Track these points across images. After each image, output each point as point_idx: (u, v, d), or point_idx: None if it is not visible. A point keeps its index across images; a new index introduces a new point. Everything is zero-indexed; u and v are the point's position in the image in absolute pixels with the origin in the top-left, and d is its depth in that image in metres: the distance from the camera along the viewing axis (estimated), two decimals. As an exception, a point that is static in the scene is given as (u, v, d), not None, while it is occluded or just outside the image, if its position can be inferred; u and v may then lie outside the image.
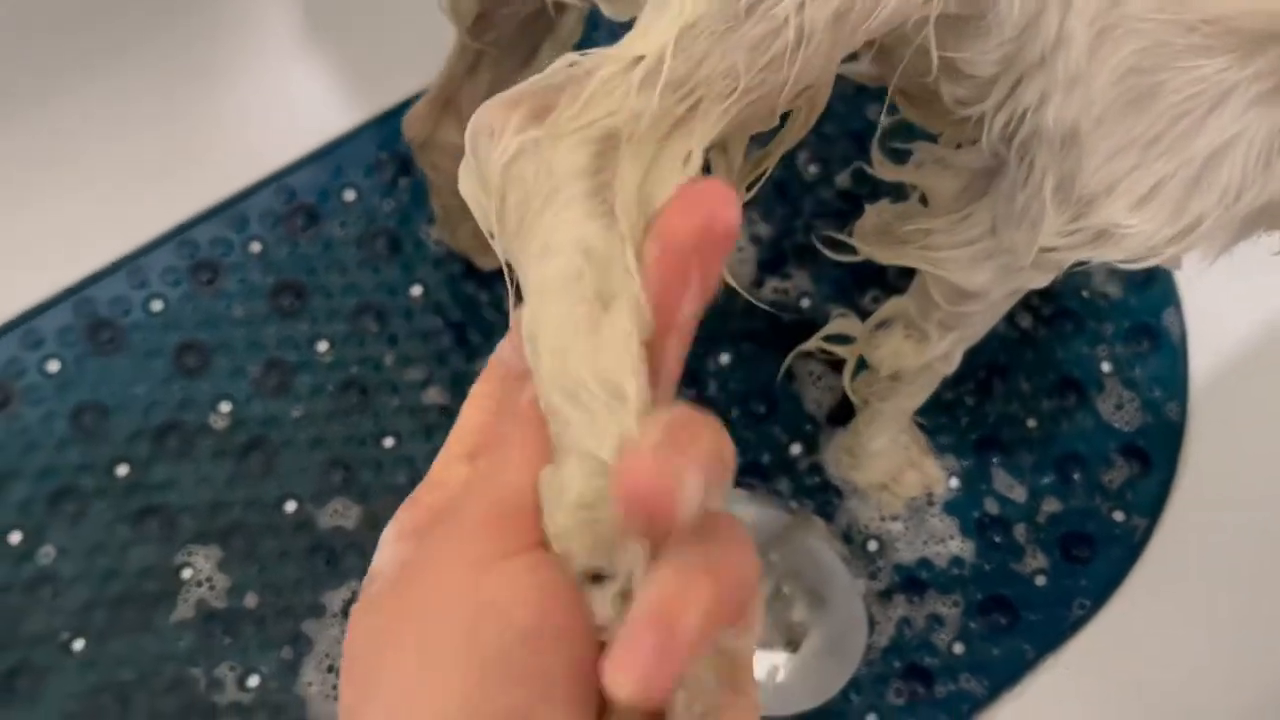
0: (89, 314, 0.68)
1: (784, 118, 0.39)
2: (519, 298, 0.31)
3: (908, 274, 0.68)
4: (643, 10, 0.33)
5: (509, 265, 0.31)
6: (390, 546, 0.30)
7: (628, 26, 0.40)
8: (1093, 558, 0.67)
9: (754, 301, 0.70)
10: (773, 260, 0.73)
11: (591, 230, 0.29)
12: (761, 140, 0.41)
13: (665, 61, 0.31)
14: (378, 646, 0.28)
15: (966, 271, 0.50)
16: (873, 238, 0.53)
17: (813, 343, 0.60)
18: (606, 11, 0.40)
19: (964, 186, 0.49)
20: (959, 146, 0.51)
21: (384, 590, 0.29)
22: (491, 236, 0.31)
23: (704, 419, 0.27)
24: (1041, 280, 0.49)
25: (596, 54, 0.32)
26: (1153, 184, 0.41)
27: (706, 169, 0.37)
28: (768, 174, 0.42)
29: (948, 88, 0.44)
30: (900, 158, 0.52)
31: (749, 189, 0.42)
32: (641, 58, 0.32)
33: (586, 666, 0.26)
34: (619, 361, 0.28)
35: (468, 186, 0.32)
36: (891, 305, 0.56)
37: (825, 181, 0.76)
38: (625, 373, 0.28)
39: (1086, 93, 0.40)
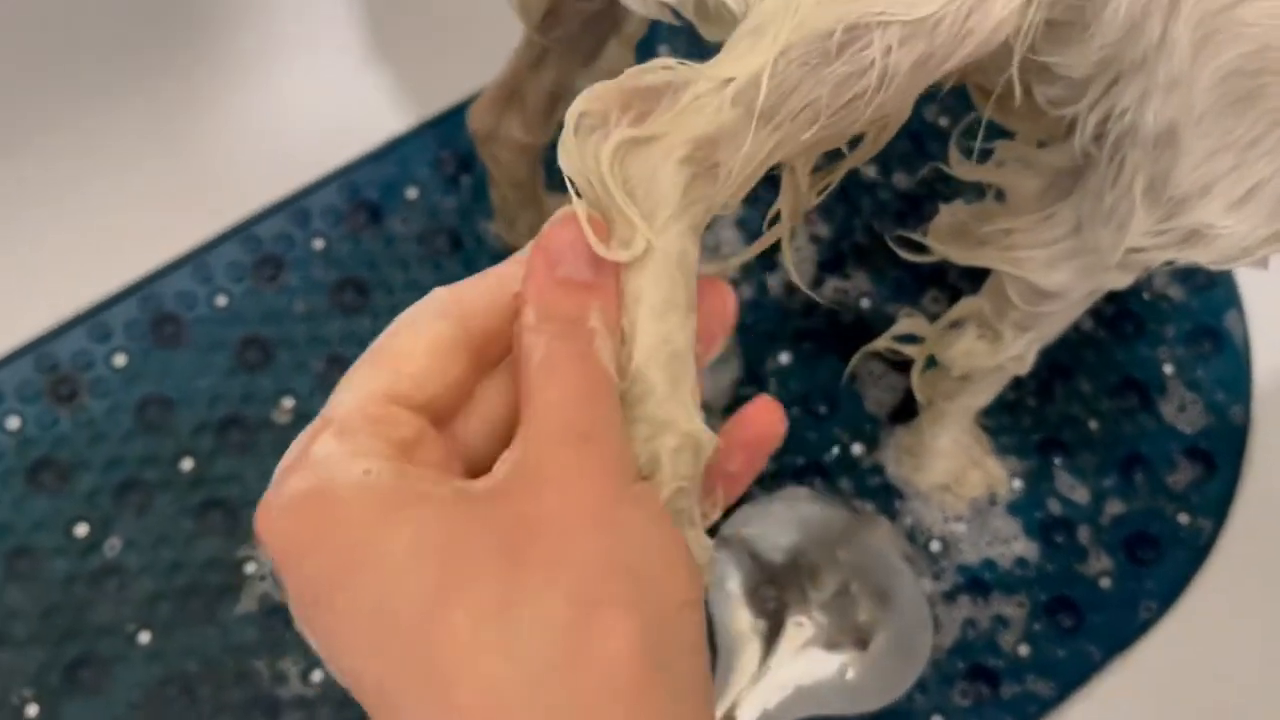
0: (155, 308, 0.68)
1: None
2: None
3: (968, 274, 0.68)
4: (734, 33, 0.34)
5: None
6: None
7: (687, 25, 0.40)
8: (1158, 560, 0.66)
9: (816, 299, 0.70)
10: (832, 260, 0.73)
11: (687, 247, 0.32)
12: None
13: (761, 86, 0.32)
14: (513, 544, 0.26)
15: (1046, 271, 0.49)
16: (949, 238, 0.52)
17: (882, 342, 0.60)
18: (703, 32, 0.40)
19: (1047, 185, 0.48)
20: (1039, 144, 0.51)
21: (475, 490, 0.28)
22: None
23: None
24: (1124, 280, 0.49)
25: (690, 67, 0.33)
26: (1251, 185, 0.41)
27: (773, 181, 0.38)
28: (831, 187, 0.42)
29: (1040, 89, 0.44)
30: (974, 155, 0.51)
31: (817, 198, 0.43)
32: (732, 79, 0.32)
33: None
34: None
35: (567, 164, 0.33)
36: (964, 305, 0.56)
37: (884, 182, 0.76)
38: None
39: (1187, 94, 0.40)
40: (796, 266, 0.73)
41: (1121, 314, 0.73)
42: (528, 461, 0.27)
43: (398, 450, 0.28)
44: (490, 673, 0.24)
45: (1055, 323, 0.55)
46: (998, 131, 0.54)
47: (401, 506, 0.26)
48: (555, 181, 0.72)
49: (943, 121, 0.77)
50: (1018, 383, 0.66)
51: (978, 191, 0.53)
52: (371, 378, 0.30)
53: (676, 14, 0.41)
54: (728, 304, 0.34)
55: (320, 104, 0.73)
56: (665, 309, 0.32)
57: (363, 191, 0.72)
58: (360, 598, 0.26)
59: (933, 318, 0.69)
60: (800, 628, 0.62)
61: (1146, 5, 0.40)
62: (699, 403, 0.32)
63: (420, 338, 0.30)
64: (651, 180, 0.32)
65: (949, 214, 0.53)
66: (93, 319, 0.68)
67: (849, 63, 0.33)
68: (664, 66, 0.33)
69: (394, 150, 0.73)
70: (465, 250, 0.71)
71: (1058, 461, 0.69)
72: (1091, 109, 0.44)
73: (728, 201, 0.34)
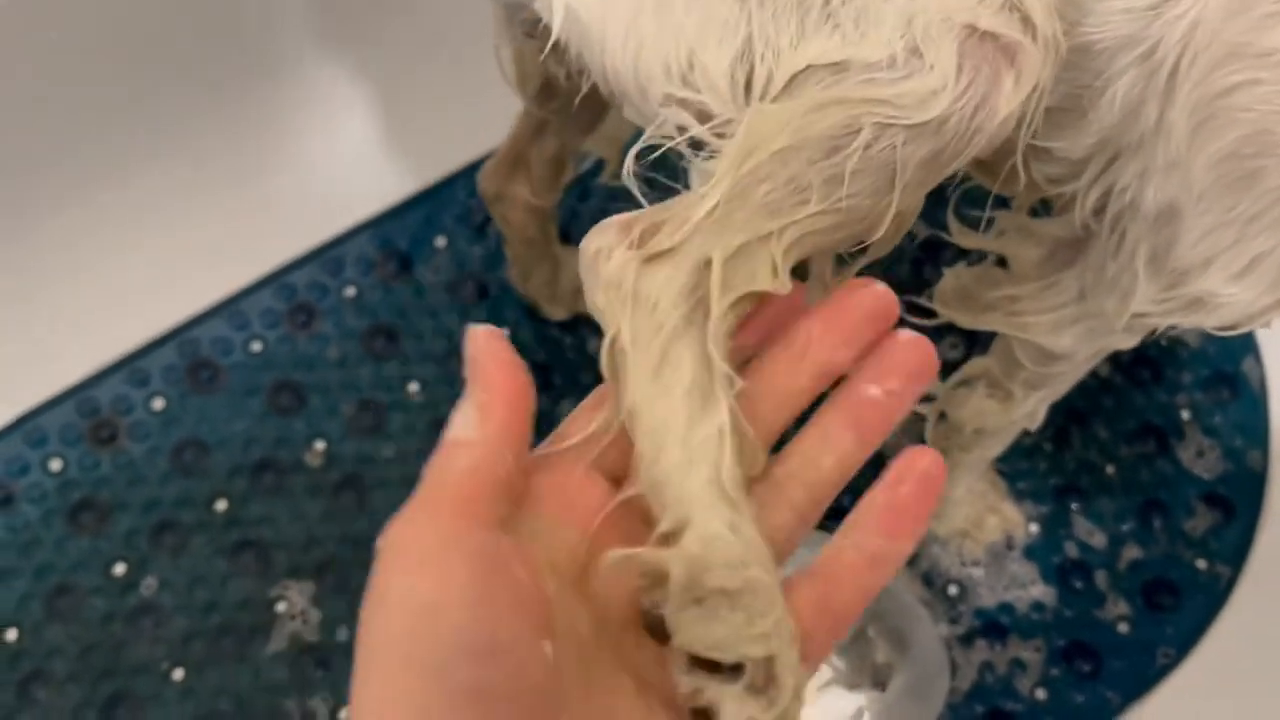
0: (192, 354, 0.71)
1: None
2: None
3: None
4: (724, 152, 0.35)
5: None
6: None
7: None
8: (1177, 606, 0.67)
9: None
10: (851, 307, 0.74)
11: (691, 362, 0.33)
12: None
13: (744, 184, 0.34)
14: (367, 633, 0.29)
15: (1053, 335, 0.50)
16: (954, 302, 0.53)
17: None
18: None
19: (1049, 254, 0.49)
20: (1034, 213, 0.52)
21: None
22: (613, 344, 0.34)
23: None
24: (1130, 342, 0.49)
25: (705, 188, 0.34)
26: (1252, 257, 0.42)
27: (800, 275, 0.39)
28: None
29: (1037, 168, 0.45)
30: (974, 222, 0.52)
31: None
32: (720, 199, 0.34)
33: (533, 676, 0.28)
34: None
35: (590, 299, 0.34)
36: (973, 365, 0.57)
37: (902, 230, 0.77)
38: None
39: (1186, 175, 0.40)
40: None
41: (1138, 360, 0.74)
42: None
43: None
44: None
45: (1064, 381, 0.55)
46: (997, 198, 0.55)
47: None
48: (568, 236, 0.74)
49: (955, 175, 0.79)
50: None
51: (981, 251, 0.54)
52: None
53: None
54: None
55: (351, 156, 0.76)
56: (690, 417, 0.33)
57: (393, 241, 0.74)
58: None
59: (951, 364, 0.71)
60: (818, 670, 0.62)
61: (1143, 91, 0.41)
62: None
63: None
64: (659, 294, 0.33)
65: (953, 277, 0.54)
66: (132, 364, 0.70)
67: (855, 157, 0.34)
68: (684, 197, 0.34)
69: (423, 201, 0.75)
70: (491, 298, 0.73)
71: (1075, 506, 0.69)
72: (1091, 186, 0.45)
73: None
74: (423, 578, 0.29)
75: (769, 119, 0.34)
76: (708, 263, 0.33)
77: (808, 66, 0.34)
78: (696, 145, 0.36)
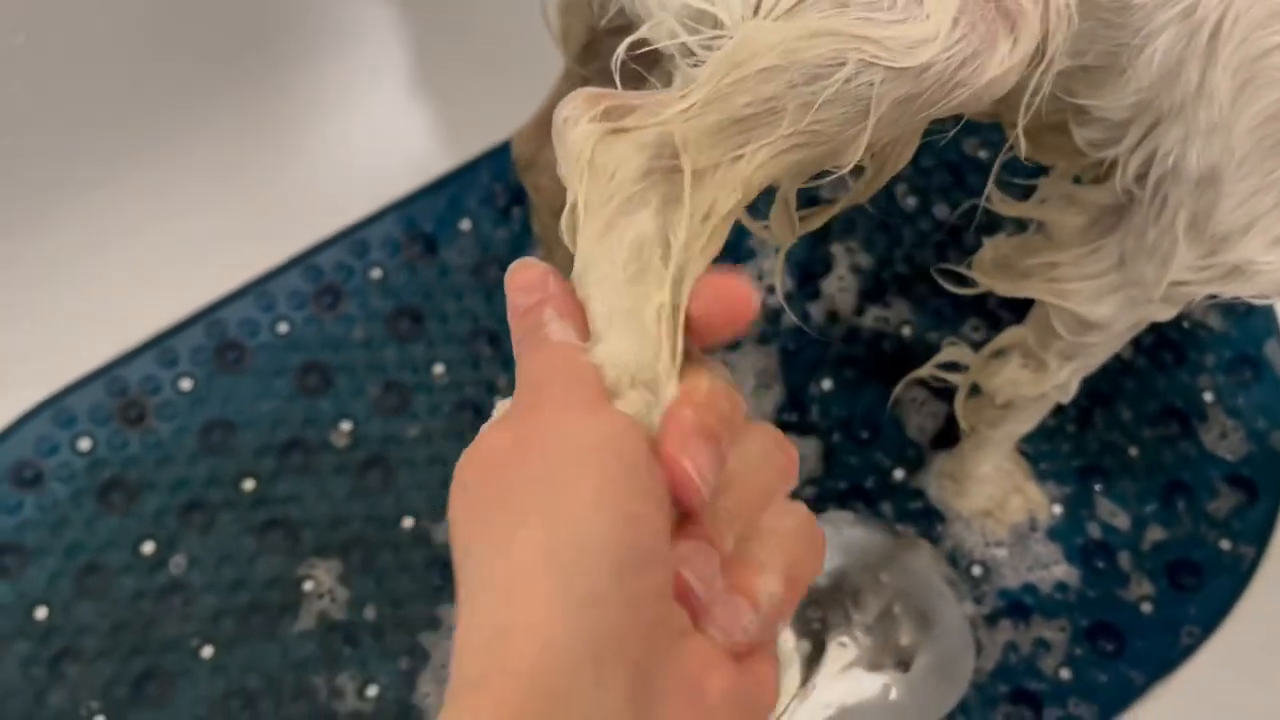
0: (219, 335, 0.71)
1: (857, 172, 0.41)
2: None
3: (1008, 303, 0.69)
4: (715, 55, 0.36)
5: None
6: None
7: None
8: (1200, 586, 0.67)
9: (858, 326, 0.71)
10: (874, 290, 0.75)
11: (645, 229, 0.34)
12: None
13: (724, 92, 0.34)
14: (500, 472, 0.30)
15: (1092, 304, 0.51)
16: (994, 271, 0.53)
17: (925, 370, 0.61)
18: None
19: (1091, 221, 0.50)
20: (1077, 180, 0.52)
21: (496, 429, 0.32)
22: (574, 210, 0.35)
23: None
24: (1168, 313, 0.50)
25: (685, 88, 0.35)
26: None
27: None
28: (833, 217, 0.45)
29: (1079, 131, 0.46)
30: (1015, 192, 0.53)
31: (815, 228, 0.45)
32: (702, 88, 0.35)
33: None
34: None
35: (561, 167, 0.35)
36: (1009, 334, 0.57)
37: (924, 212, 0.77)
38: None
39: (1228, 138, 0.41)
40: (838, 294, 0.75)
41: (1161, 342, 0.74)
42: (514, 401, 0.33)
43: None
44: (465, 596, 0.29)
45: (1099, 353, 0.56)
46: (1038, 167, 0.55)
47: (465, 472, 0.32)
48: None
49: (982, 154, 0.79)
50: (1058, 409, 0.67)
51: (1018, 224, 0.55)
52: None
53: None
54: (736, 292, 0.34)
55: (378, 139, 0.76)
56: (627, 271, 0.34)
57: (419, 223, 0.74)
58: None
59: (974, 345, 0.71)
60: (844, 648, 0.63)
61: (1183, 51, 0.41)
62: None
63: None
64: (617, 166, 0.34)
65: (992, 248, 0.54)
66: (160, 345, 0.70)
67: (832, 89, 0.35)
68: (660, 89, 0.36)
69: (449, 183, 0.75)
70: (516, 279, 0.73)
71: (1098, 488, 0.70)
72: (1133, 151, 0.45)
73: (726, 208, 0.35)
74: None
75: (762, 36, 0.34)
76: (671, 151, 0.34)
77: None
78: (687, 53, 0.37)
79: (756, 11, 0.36)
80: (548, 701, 0.27)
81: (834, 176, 0.38)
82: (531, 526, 0.29)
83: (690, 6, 0.36)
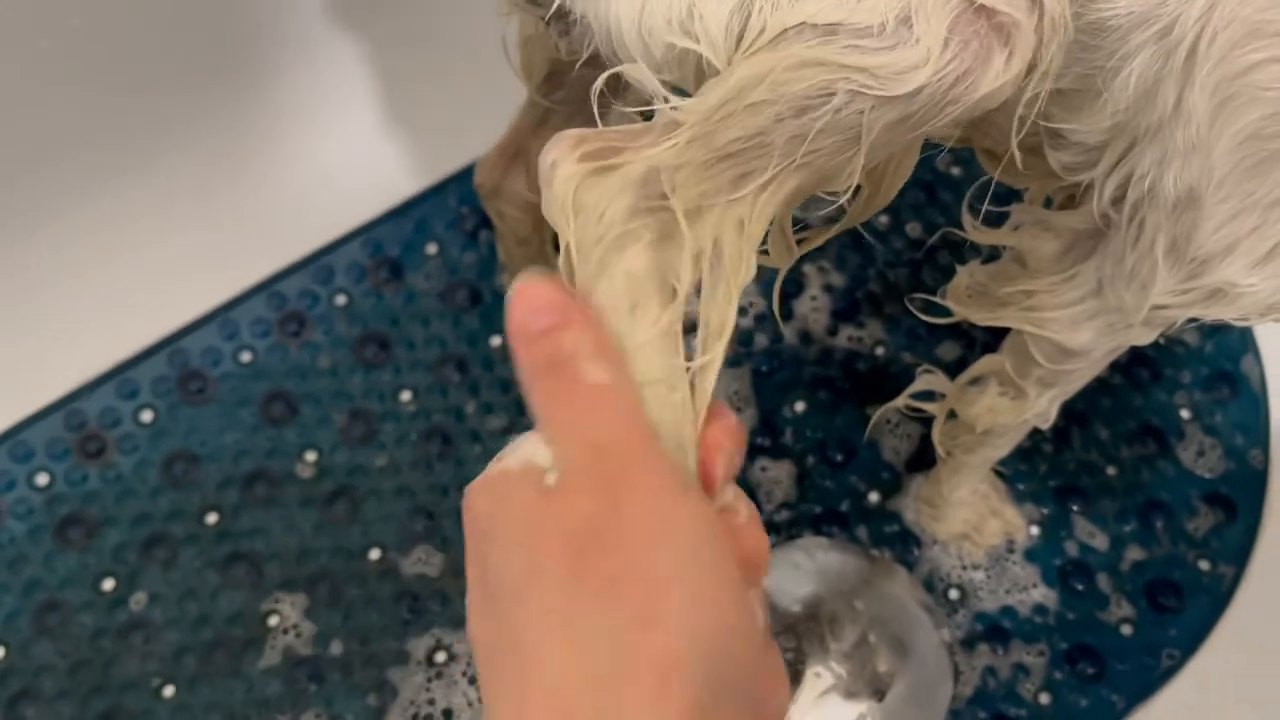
0: (182, 365, 0.70)
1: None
2: None
3: (987, 326, 0.68)
4: (706, 84, 0.35)
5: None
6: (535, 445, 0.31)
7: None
8: (1181, 607, 0.66)
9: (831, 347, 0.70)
10: (847, 309, 0.74)
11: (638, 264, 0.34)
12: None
13: (710, 129, 0.34)
14: (582, 547, 0.28)
15: (1070, 331, 0.50)
16: (968, 300, 0.52)
17: (901, 400, 0.60)
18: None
19: (1067, 248, 0.49)
20: (1048, 204, 0.52)
21: (568, 492, 0.29)
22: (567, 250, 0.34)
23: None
24: (1148, 337, 0.49)
25: (668, 110, 0.35)
26: (1274, 244, 0.42)
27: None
28: (832, 237, 0.44)
29: (1053, 155, 0.45)
30: (987, 219, 0.52)
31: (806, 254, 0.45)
32: (688, 120, 0.34)
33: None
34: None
35: (546, 211, 0.35)
36: (985, 362, 0.56)
37: (897, 231, 0.77)
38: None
39: (1206, 159, 0.40)
40: (810, 315, 0.74)
41: (1137, 360, 0.73)
42: (574, 464, 0.30)
43: None
44: (556, 665, 0.27)
45: (1079, 379, 0.55)
46: (1011, 193, 0.54)
47: (516, 500, 0.30)
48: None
49: (955, 171, 0.78)
50: (1034, 429, 0.66)
51: (992, 247, 0.54)
52: None
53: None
54: (729, 430, 0.34)
55: (342, 164, 0.75)
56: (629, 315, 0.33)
57: (385, 248, 0.73)
58: (481, 572, 0.29)
59: (948, 366, 0.70)
60: (819, 678, 0.62)
61: (1159, 72, 0.40)
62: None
63: None
64: (606, 205, 0.34)
65: (967, 275, 0.53)
66: (120, 376, 0.69)
67: (823, 120, 0.34)
68: (642, 121, 0.35)
69: (414, 207, 0.74)
70: (484, 304, 0.72)
71: (1076, 508, 0.69)
72: (1109, 174, 0.44)
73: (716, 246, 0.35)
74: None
75: (749, 69, 0.34)
76: (659, 189, 0.34)
77: (801, 23, 0.34)
78: (671, 89, 0.36)
79: (739, 45, 0.35)
80: None
81: (835, 201, 0.38)
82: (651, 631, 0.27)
83: (674, 46, 0.36)
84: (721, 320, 0.35)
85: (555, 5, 0.38)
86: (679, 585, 0.27)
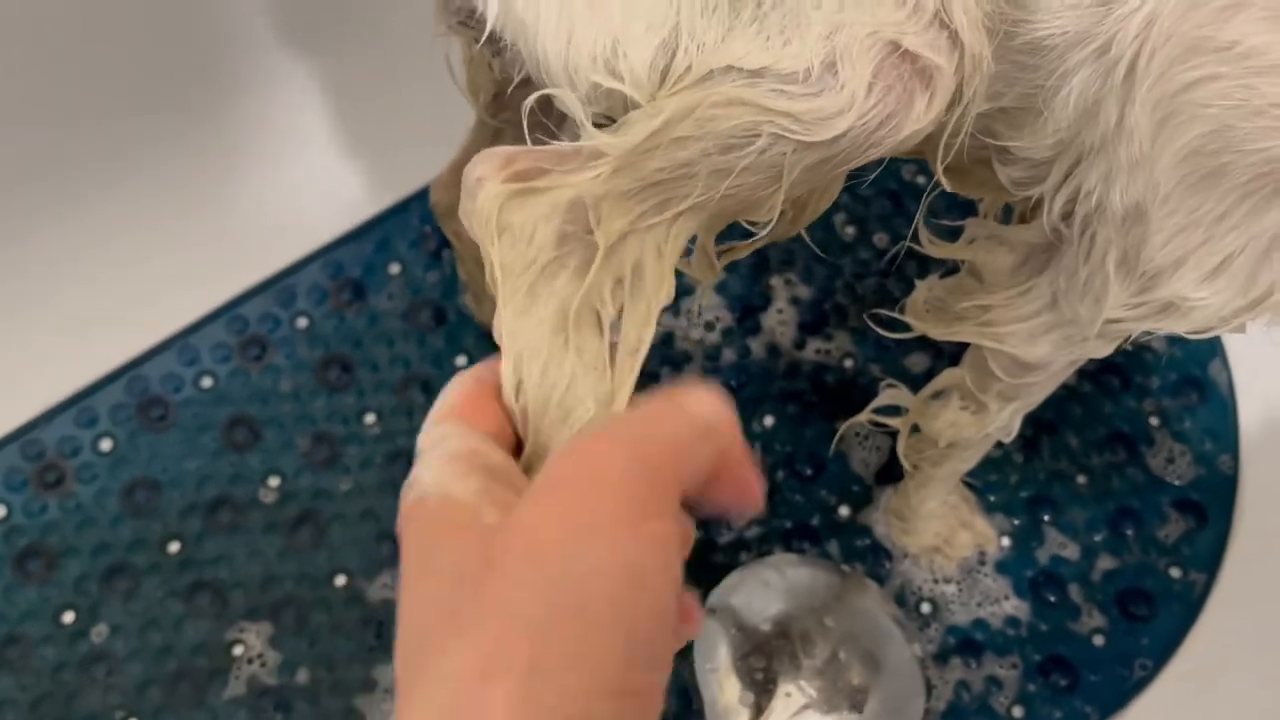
0: (141, 391, 0.69)
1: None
2: None
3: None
4: (632, 114, 0.35)
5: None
6: (460, 482, 0.30)
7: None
8: (1152, 616, 0.66)
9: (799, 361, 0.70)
10: (814, 322, 0.74)
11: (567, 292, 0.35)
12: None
13: (635, 160, 0.34)
14: (486, 566, 0.27)
15: (1027, 345, 0.50)
16: (926, 314, 0.52)
17: (863, 416, 0.60)
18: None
19: (1021, 261, 0.49)
20: (1009, 217, 0.52)
21: (484, 524, 0.29)
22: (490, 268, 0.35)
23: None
24: (1105, 349, 0.49)
25: (594, 140, 0.35)
26: (1222, 258, 0.41)
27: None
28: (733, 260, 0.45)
29: (1002, 170, 0.45)
30: (946, 233, 0.52)
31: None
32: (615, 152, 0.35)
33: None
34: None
35: (466, 223, 0.35)
36: (946, 376, 0.56)
37: (863, 242, 0.76)
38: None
39: (1150, 174, 0.40)
40: (778, 328, 0.73)
41: (1107, 367, 0.73)
42: (525, 502, 0.29)
43: (482, 476, 0.31)
44: (421, 701, 0.27)
45: (1039, 391, 0.55)
46: (969, 206, 0.54)
47: (447, 530, 0.30)
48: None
49: (920, 180, 0.78)
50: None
51: (952, 263, 0.54)
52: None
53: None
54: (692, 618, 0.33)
55: (301, 185, 0.74)
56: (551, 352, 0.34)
57: (346, 269, 0.72)
58: (408, 592, 0.29)
59: (916, 378, 0.70)
60: (790, 697, 0.61)
61: (1099, 90, 0.40)
62: None
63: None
64: (533, 229, 0.34)
65: (925, 289, 0.53)
66: (79, 404, 0.68)
67: (747, 160, 0.34)
68: (572, 143, 0.35)
69: (376, 227, 0.74)
70: (449, 324, 0.72)
71: (1047, 518, 0.69)
72: (1057, 190, 0.44)
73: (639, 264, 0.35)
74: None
75: (677, 102, 0.34)
76: (582, 210, 0.34)
77: (727, 65, 0.34)
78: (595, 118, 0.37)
79: (663, 83, 0.35)
80: None
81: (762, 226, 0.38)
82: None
83: (599, 86, 0.36)
84: (639, 338, 0.35)
85: (487, 31, 0.38)
86: (532, 635, 0.26)
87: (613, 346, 0.35)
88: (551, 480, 0.29)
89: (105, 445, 0.67)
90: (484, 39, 0.38)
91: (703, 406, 0.31)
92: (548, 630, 0.26)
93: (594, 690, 0.26)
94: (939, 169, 0.41)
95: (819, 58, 0.34)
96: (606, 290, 0.35)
